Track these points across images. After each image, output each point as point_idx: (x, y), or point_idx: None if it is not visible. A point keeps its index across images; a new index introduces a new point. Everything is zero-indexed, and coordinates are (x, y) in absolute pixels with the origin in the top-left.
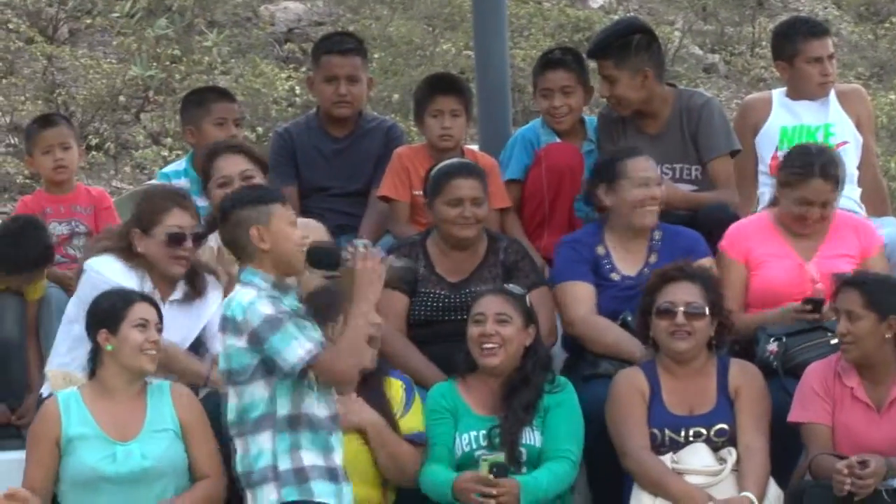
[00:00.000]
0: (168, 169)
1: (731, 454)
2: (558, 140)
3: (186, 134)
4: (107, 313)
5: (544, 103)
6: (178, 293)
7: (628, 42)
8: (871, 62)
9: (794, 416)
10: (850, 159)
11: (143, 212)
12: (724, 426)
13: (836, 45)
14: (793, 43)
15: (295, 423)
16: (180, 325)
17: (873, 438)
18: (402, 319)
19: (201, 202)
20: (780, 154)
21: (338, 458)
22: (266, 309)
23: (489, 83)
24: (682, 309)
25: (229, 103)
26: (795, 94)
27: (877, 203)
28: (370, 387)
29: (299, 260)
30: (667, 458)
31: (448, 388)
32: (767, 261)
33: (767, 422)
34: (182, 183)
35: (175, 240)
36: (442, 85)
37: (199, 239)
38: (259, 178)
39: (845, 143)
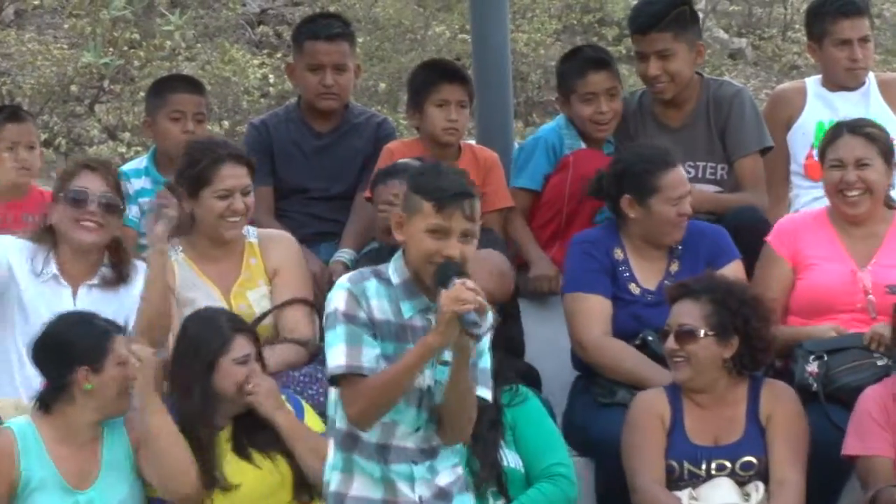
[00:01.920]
0: (127, 167)
1: (757, 490)
2: (583, 145)
3: (144, 126)
4: (87, 348)
5: (587, 109)
6: (96, 278)
7: (683, 12)
8: None
9: (849, 448)
10: None
11: (56, 180)
12: (752, 459)
13: (877, 27)
14: (822, 23)
15: (349, 442)
16: (102, 312)
17: None
18: None
19: None
20: (816, 153)
21: (414, 491)
22: (339, 302)
23: (488, 70)
24: (673, 332)
25: (189, 95)
26: (829, 82)
27: None
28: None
29: (425, 272)
30: (685, 494)
31: None
32: (817, 264)
33: (804, 453)
34: (143, 183)
35: (76, 200)
36: (448, 72)
37: (113, 208)
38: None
39: (891, 140)
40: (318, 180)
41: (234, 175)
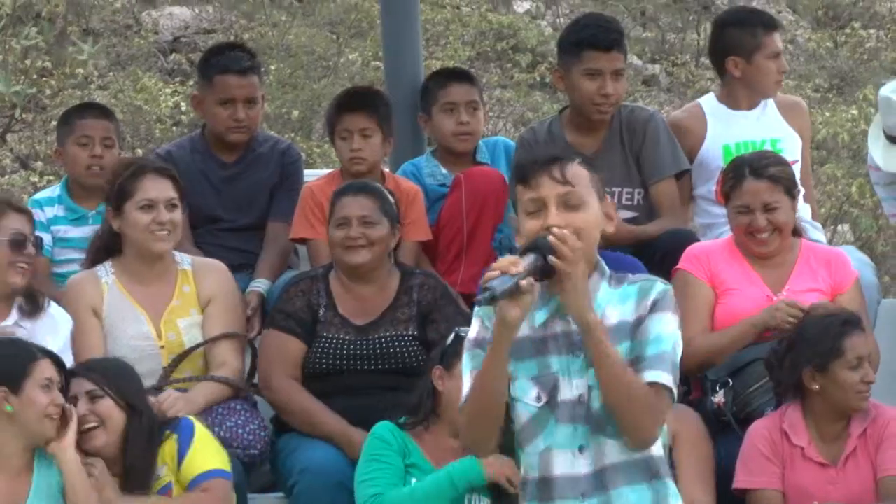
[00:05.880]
0: (40, 195)
1: None
2: (444, 171)
3: (55, 156)
4: (5, 370)
5: (448, 121)
6: (11, 317)
7: (625, 35)
8: (829, 73)
9: (739, 482)
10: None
11: None
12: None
13: (790, 53)
14: (755, 36)
15: (521, 488)
16: None
17: (832, 498)
18: (297, 367)
19: (76, 233)
20: None
21: None
22: (471, 331)
23: (401, 97)
24: None
25: (97, 120)
26: (734, 99)
27: None
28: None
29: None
30: None
31: (397, 430)
32: (734, 288)
33: (712, 474)
34: (55, 211)
35: (16, 243)
36: (349, 102)
37: (39, 249)
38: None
39: (794, 161)
40: (226, 211)
41: (156, 187)
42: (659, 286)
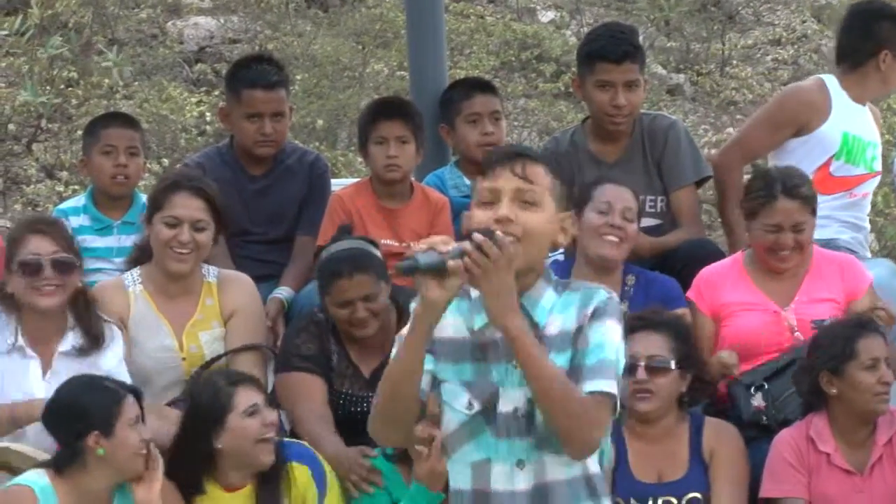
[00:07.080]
0: (65, 205)
1: None
2: (468, 181)
3: (80, 166)
4: (97, 413)
5: (472, 131)
6: (67, 343)
7: (641, 45)
8: None
9: (765, 491)
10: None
11: (7, 247)
12: (698, 495)
13: (815, 62)
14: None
15: (451, 499)
16: None
17: None
18: (324, 403)
19: (101, 242)
20: (835, 165)
21: None
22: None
23: (426, 107)
24: (643, 364)
25: (121, 129)
26: (861, 91)
27: None
28: (266, 481)
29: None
30: None
31: (382, 463)
32: (740, 309)
33: (746, 491)
34: (81, 220)
35: (29, 268)
36: (386, 109)
37: (68, 267)
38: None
39: (878, 174)
40: (256, 224)
41: (185, 205)
42: (601, 294)
